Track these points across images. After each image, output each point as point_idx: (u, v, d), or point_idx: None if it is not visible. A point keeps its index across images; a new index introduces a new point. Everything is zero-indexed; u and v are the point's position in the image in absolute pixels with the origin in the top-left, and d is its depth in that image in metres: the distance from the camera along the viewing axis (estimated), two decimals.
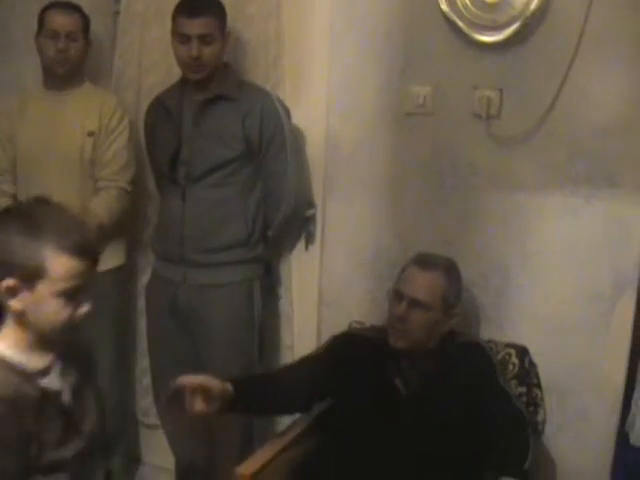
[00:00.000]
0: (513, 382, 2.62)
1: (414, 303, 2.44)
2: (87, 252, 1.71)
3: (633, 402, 2.60)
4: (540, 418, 2.67)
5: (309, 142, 3.11)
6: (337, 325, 2.84)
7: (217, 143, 2.88)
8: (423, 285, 2.47)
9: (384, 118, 2.94)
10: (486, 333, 2.78)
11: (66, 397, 1.80)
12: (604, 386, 2.65)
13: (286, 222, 3.00)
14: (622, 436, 2.63)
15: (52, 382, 1.77)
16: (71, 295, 1.69)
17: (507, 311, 2.76)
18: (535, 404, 2.65)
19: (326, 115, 3.05)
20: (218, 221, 2.91)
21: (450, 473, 2.37)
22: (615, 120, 2.55)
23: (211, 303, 2.95)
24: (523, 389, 2.63)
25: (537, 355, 2.68)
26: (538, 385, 2.67)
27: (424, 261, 2.53)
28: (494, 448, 2.28)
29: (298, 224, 3.12)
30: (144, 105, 3.24)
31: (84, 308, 1.73)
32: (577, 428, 2.71)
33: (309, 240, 3.13)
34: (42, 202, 1.78)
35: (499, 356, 2.65)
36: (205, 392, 2.26)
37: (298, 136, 3.07)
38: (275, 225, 2.99)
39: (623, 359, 2.62)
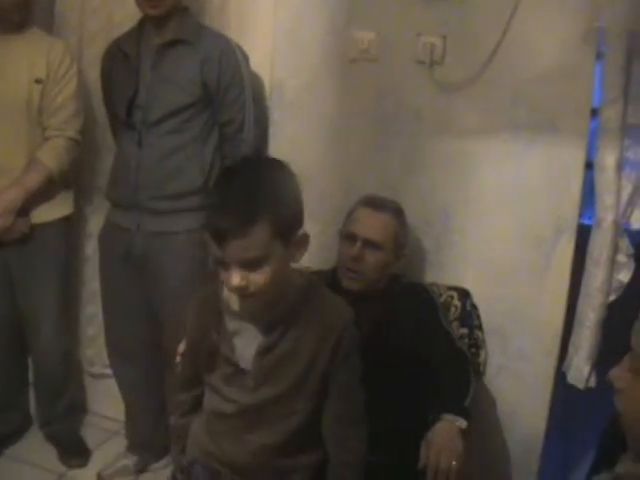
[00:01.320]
0: (455, 324, 2.67)
1: (368, 243, 2.48)
2: None
3: (571, 343, 2.68)
4: (481, 359, 2.73)
5: (254, 89, 3.09)
6: None
7: (174, 88, 2.82)
8: (376, 225, 2.51)
9: (328, 64, 2.94)
10: (429, 276, 2.83)
11: None
12: (543, 328, 2.72)
13: None
14: (560, 376, 2.72)
15: None
16: None
17: (449, 255, 2.81)
18: (476, 346, 2.71)
19: (271, 62, 3.04)
20: (174, 168, 2.87)
21: (400, 414, 2.42)
22: (555, 66, 2.58)
23: (165, 251, 2.91)
24: (465, 331, 2.68)
25: (479, 298, 2.74)
26: (479, 327, 2.73)
27: (374, 203, 2.57)
28: (436, 386, 2.32)
29: None
30: (87, 52, 3.19)
31: None
32: (517, 369, 2.78)
33: None
34: None
35: (441, 299, 2.69)
36: None
37: (258, 85, 3.04)
38: None
39: (562, 301, 2.70)
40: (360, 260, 2.48)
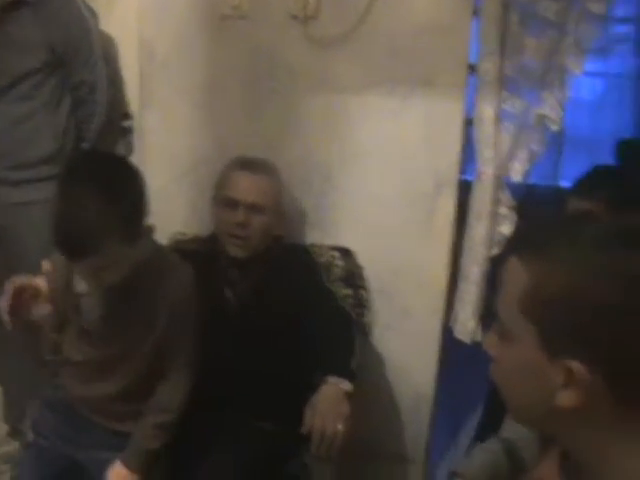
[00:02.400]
0: (338, 284, 2.63)
1: (252, 208, 2.41)
2: None
3: (456, 298, 2.68)
4: (367, 319, 2.70)
5: (122, 50, 2.97)
6: (160, 237, 2.75)
7: (19, 52, 2.69)
8: (257, 189, 2.44)
9: (199, 22, 2.82)
10: (310, 237, 2.77)
11: None
12: (428, 284, 2.71)
13: (100, 134, 2.85)
14: (446, 331, 2.72)
15: None
16: None
17: (330, 214, 2.75)
18: (361, 305, 2.68)
19: (138, 21, 2.90)
20: (25, 136, 2.75)
21: (284, 378, 2.40)
22: (432, 20, 2.54)
23: (22, 222, 2.79)
24: (349, 291, 2.65)
25: (362, 257, 2.70)
26: (363, 287, 2.69)
27: (250, 165, 2.49)
28: (321, 349, 2.28)
29: (114, 136, 2.98)
30: None
31: None
32: (403, 327, 2.76)
33: (128, 152, 3.01)
34: None
35: (323, 259, 2.65)
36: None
37: (110, 44, 2.92)
38: (89, 138, 2.85)
39: (445, 257, 2.68)
40: (246, 226, 2.40)
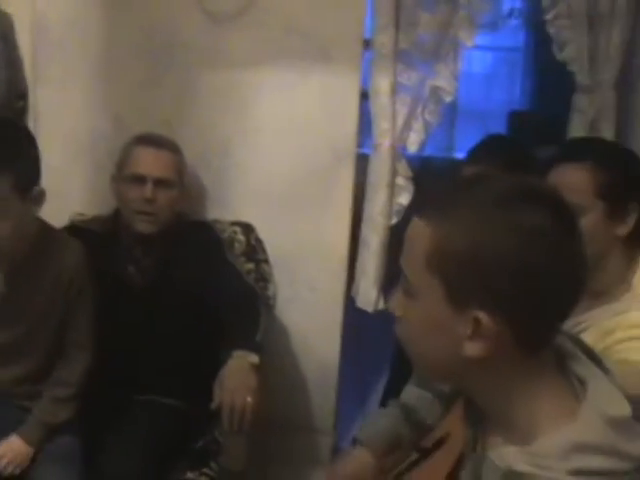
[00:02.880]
0: (241, 259, 2.63)
1: (159, 183, 2.39)
2: None
3: (357, 268, 2.72)
4: (270, 293, 2.71)
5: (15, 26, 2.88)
6: (58, 219, 2.70)
7: None
8: (162, 163, 2.43)
9: None
10: (211, 213, 2.76)
11: None
12: (329, 256, 2.74)
13: None
14: (349, 301, 2.76)
15: None
16: None
17: (230, 189, 2.75)
18: (264, 279, 2.69)
19: None
20: None
21: (193, 354, 2.42)
22: None
23: None
24: (251, 265, 2.66)
25: (263, 231, 2.70)
26: (266, 261, 2.70)
27: (153, 141, 2.47)
28: (227, 324, 2.29)
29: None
30: None
31: None
32: (306, 299, 2.79)
33: None
34: None
35: (225, 235, 2.64)
36: None
37: (6, 22, 2.82)
38: None
39: (346, 228, 2.72)
40: (154, 201, 2.38)
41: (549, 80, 3.77)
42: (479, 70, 5.38)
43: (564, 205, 1.06)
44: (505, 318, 1.01)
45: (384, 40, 2.58)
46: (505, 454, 1.02)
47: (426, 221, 1.06)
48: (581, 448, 0.98)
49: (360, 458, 1.50)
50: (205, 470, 2.27)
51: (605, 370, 1.11)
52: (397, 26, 2.58)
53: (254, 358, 2.14)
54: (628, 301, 1.72)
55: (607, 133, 2.79)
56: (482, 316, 1.01)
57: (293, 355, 2.87)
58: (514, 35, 5.28)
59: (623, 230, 1.78)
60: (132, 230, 2.41)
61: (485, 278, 1.01)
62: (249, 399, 2.03)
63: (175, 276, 2.42)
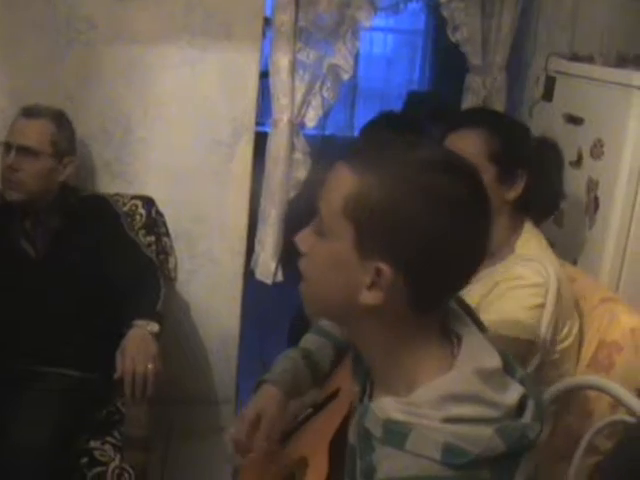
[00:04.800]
0: (141, 232, 2.65)
1: (23, 151, 2.36)
2: None
3: (256, 241, 2.78)
4: (171, 265, 2.75)
5: None
6: None
7: None
8: (29, 132, 2.39)
9: None
10: (112, 187, 2.76)
11: None
12: (229, 229, 2.80)
13: None
14: (248, 273, 2.82)
15: None
16: None
17: (131, 164, 2.76)
18: (165, 252, 2.72)
19: None
20: None
21: (93, 328, 2.41)
22: None
23: None
24: (152, 238, 2.68)
25: (164, 205, 2.73)
26: (166, 234, 2.73)
27: (30, 111, 2.44)
28: (127, 296, 2.31)
29: None
30: None
31: None
32: (207, 271, 2.83)
33: None
34: None
35: (125, 208, 2.65)
36: None
37: None
38: None
39: (245, 202, 2.78)
40: (17, 169, 2.35)
41: (447, 62, 3.88)
42: (381, 52, 5.47)
43: (481, 182, 1.12)
44: (405, 275, 1.07)
45: (284, 18, 2.64)
46: (385, 404, 1.09)
47: (353, 170, 1.11)
48: (453, 397, 1.06)
49: (267, 393, 1.54)
50: (108, 439, 2.27)
51: (481, 327, 1.20)
52: (297, 4, 2.64)
53: (154, 327, 2.17)
54: (512, 261, 1.91)
55: None
56: (384, 267, 1.06)
57: (194, 327, 2.91)
58: (416, 18, 5.38)
59: (511, 195, 1.93)
60: (5, 200, 2.41)
61: (394, 233, 1.07)
62: (150, 366, 2.07)
63: (67, 248, 2.40)
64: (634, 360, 1.89)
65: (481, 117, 2.04)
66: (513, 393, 1.11)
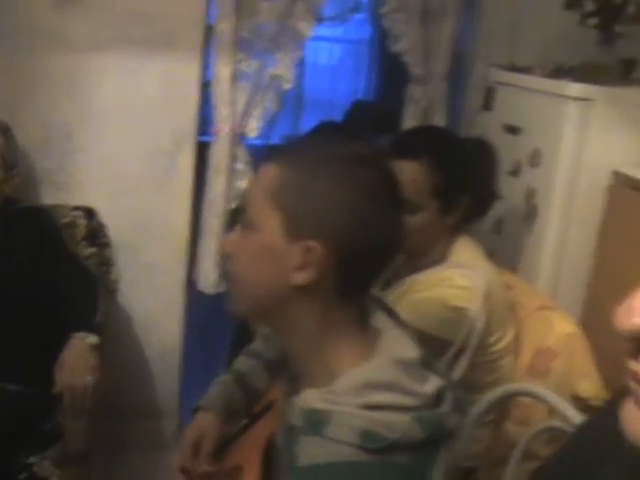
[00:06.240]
0: (83, 244, 2.63)
1: None
2: None
3: (198, 251, 2.78)
4: (113, 277, 2.73)
5: None
6: None
7: None
8: None
9: None
10: (53, 198, 2.73)
11: None
12: (171, 239, 2.79)
13: None
14: (190, 283, 2.81)
15: None
16: None
17: (72, 174, 2.73)
18: (107, 263, 2.70)
19: None
20: None
21: (30, 341, 2.37)
22: None
23: None
24: (93, 250, 2.65)
25: (105, 215, 2.71)
26: (108, 245, 2.71)
27: None
28: (66, 308, 2.29)
29: None
30: None
31: None
32: (149, 282, 2.82)
33: None
34: None
35: (66, 220, 2.62)
36: None
37: None
38: None
39: (186, 212, 2.77)
40: None
41: (392, 71, 3.91)
42: (327, 61, 5.50)
43: (393, 174, 1.18)
44: (333, 252, 1.12)
45: (225, 28, 2.64)
46: (307, 395, 1.12)
47: (277, 163, 1.17)
48: (372, 385, 1.09)
49: (203, 420, 1.55)
50: (48, 454, 2.25)
51: (399, 323, 1.24)
52: (238, 14, 2.65)
53: (93, 339, 2.16)
54: (443, 267, 1.95)
55: (439, 122, 2.95)
56: (313, 244, 1.11)
57: (137, 339, 2.89)
58: (361, 28, 5.42)
59: (451, 221, 1.94)
60: None
61: (320, 213, 1.13)
62: (89, 378, 2.05)
63: (5, 262, 2.37)
64: (569, 366, 1.93)
65: (422, 145, 1.97)
66: (431, 384, 1.14)
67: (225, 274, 1.34)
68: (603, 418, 0.88)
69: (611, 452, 0.82)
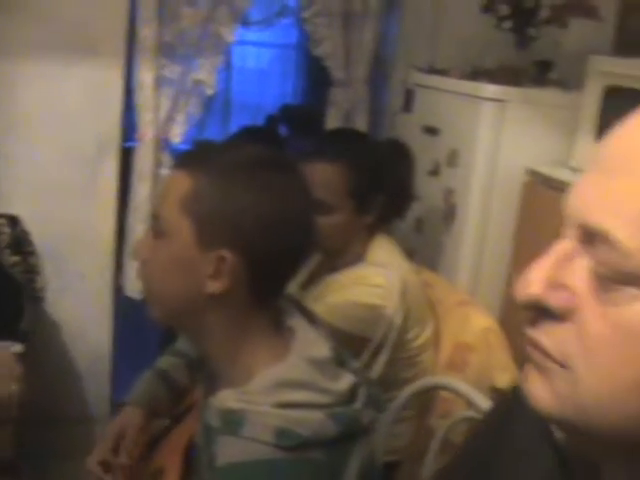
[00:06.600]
0: (7, 252, 2.61)
1: None
2: None
3: (125, 258, 2.77)
4: (38, 285, 2.71)
5: None
6: None
7: None
8: None
9: None
10: None
11: None
12: (96, 245, 2.78)
13: None
14: (117, 289, 2.81)
15: None
16: None
17: None
18: (32, 271, 2.68)
19: None
20: None
21: None
22: None
23: None
24: (18, 258, 2.63)
25: (30, 223, 2.68)
26: (33, 252, 2.69)
27: None
28: None
29: None
30: None
31: None
32: (76, 289, 2.80)
33: None
34: None
35: None
36: None
37: None
38: None
39: (111, 218, 2.76)
40: None
41: (318, 75, 3.95)
42: (255, 66, 5.52)
43: (301, 175, 1.22)
44: (246, 259, 1.14)
45: (147, 33, 2.64)
46: (223, 396, 1.15)
47: (187, 171, 1.18)
48: (285, 384, 1.12)
49: (126, 414, 1.56)
50: None
51: (313, 322, 1.27)
52: (161, 20, 2.65)
53: (18, 347, 2.16)
54: (359, 266, 1.99)
55: (361, 124, 3.00)
56: (226, 254, 1.13)
57: (66, 346, 2.87)
58: (289, 32, 5.45)
59: (367, 220, 1.98)
60: None
61: (231, 221, 1.14)
62: (13, 386, 2.05)
63: None
64: (486, 359, 1.99)
65: (338, 147, 2.03)
66: (344, 381, 1.18)
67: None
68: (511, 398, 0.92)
69: (520, 421, 0.86)
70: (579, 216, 0.65)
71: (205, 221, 1.15)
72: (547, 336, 0.66)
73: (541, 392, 0.68)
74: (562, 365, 0.65)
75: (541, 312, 0.67)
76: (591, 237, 0.64)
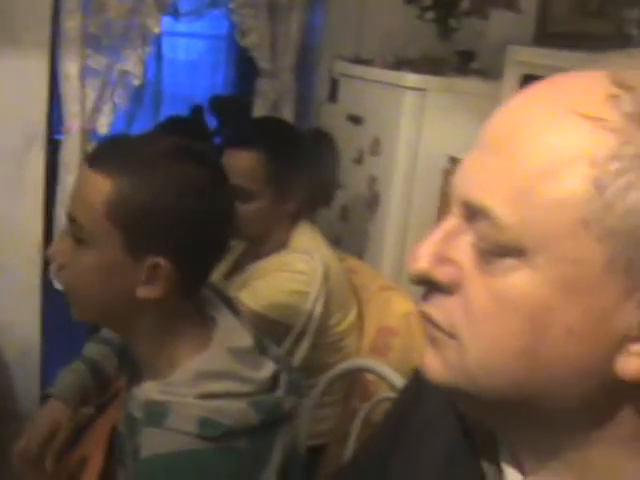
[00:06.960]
0: None
1: None
2: None
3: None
4: None
5: None
6: None
7: None
8: None
9: None
10: None
11: None
12: (24, 239, 2.73)
13: None
14: (46, 284, 2.78)
15: None
16: None
17: None
18: None
19: None
20: None
21: None
22: None
23: None
24: None
25: None
26: None
27: None
28: None
29: None
30: None
31: None
32: (3, 284, 2.76)
33: None
34: None
35: None
36: None
37: None
38: None
39: (39, 211, 2.73)
40: None
41: (247, 66, 3.96)
42: (185, 57, 5.50)
43: (220, 165, 1.23)
44: (177, 263, 1.14)
45: (72, 24, 2.62)
46: (146, 387, 1.17)
47: (103, 173, 1.14)
48: (206, 375, 1.14)
49: (55, 410, 1.54)
50: None
51: (236, 312, 1.28)
52: (85, 10, 2.64)
53: None
54: (282, 253, 2.02)
55: (287, 114, 3.03)
56: (160, 261, 1.13)
57: None
58: (219, 23, 5.44)
59: (289, 208, 2.01)
60: None
61: (160, 227, 1.13)
62: None
63: None
64: (408, 343, 2.03)
65: (259, 135, 2.05)
66: (266, 370, 1.20)
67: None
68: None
69: (427, 395, 0.89)
70: (462, 194, 0.68)
71: (133, 228, 1.13)
72: (437, 309, 0.69)
73: (433, 363, 0.70)
74: (451, 336, 0.68)
75: (431, 287, 0.69)
76: (473, 213, 0.66)
